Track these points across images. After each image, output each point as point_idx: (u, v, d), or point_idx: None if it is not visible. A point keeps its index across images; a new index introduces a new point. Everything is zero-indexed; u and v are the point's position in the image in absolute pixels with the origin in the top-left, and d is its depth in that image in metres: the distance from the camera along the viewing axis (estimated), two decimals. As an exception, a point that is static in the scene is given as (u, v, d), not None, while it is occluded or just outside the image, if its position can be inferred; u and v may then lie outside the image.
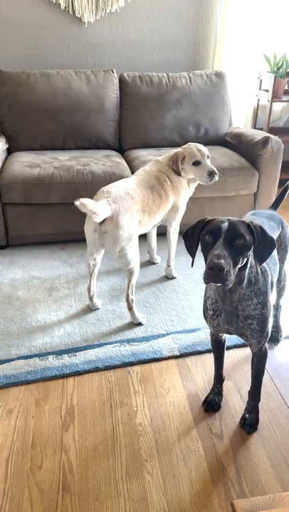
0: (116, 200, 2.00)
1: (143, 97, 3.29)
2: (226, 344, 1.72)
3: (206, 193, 2.93)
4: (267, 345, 1.55)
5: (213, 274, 1.19)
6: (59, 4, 3.27)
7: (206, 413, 1.73)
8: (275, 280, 1.59)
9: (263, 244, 1.28)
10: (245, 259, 1.27)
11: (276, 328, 2.10)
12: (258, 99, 3.89)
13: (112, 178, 2.79)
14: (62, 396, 1.80)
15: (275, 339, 2.09)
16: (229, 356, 1.99)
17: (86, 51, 3.48)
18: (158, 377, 1.90)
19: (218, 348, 1.70)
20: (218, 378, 1.74)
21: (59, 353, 2.01)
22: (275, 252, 1.64)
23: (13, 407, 1.74)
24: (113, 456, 1.55)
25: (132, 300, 2.17)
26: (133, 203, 2.07)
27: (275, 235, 1.70)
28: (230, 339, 1.98)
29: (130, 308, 2.19)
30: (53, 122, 3.16)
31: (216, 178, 2.30)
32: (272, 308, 1.51)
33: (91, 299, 2.31)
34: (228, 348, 2.01)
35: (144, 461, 1.54)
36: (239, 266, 1.25)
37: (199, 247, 1.33)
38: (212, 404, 1.73)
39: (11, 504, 1.39)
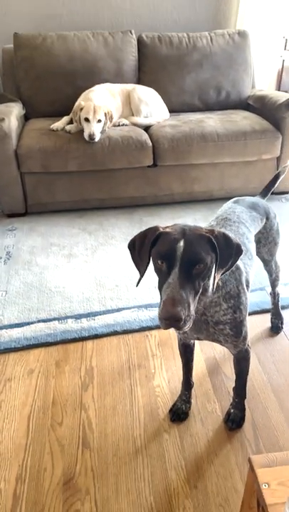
0: None
1: (162, 59, 3.17)
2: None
3: (226, 158, 2.86)
4: (249, 344, 1.40)
5: (169, 324, 1.01)
6: None
7: (224, 377, 1.73)
8: (251, 276, 1.40)
9: (228, 255, 1.08)
10: (207, 278, 1.09)
11: (276, 316, 1.97)
12: (283, 60, 3.70)
13: (130, 142, 2.73)
14: (81, 358, 1.83)
15: (276, 327, 1.96)
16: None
17: (103, 11, 3.35)
18: (176, 341, 1.90)
19: (186, 353, 1.53)
20: (187, 385, 1.58)
21: (78, 317, 2.04)
22: (252, 246, 1.46)
23: (34, 367, 1.78)
24: (131, 415, 1.58)
25: None
26: None
27: (255, 227, 1.52)
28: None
29: None
30: (70, 87, 3.09)
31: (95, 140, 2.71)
32: (247, 309, 1.32)
33: None
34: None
35: (162, 420, 1.56)
36: (201, 290, 1.07)
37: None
38: (178, 412, 1.56)
39: (33, 458, 1.44)
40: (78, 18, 3.34)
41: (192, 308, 1.03)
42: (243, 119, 2.97)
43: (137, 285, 1.14)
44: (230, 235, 1.11)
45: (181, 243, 1.02)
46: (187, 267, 1.01)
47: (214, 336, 1.30)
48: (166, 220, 2.86)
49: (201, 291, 1.07)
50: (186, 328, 1.03)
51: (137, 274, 1.16)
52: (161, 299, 1.04)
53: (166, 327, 1.02)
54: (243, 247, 1.13)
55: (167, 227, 1.10)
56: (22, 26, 3.23)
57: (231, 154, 2.84)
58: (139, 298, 2.15)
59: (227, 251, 1.08)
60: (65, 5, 3.29)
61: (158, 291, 1.07)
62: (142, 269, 1.12)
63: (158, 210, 3.00)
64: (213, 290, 1.10)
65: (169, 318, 0.99)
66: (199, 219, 2.84)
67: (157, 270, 1.07)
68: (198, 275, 1.03)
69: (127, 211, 2.99)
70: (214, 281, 1.09)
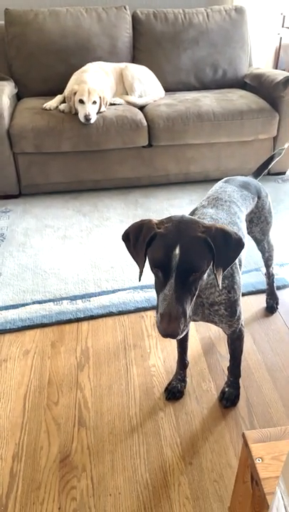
0: None
1: (157, 36, 3.10)
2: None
3: (222, 137, 2.82)
4: (242, 324, 1.41)
5: (167, 336, 1.02)
6: None
7: (219, 356, 1.74)
8: (243, 255, 1.39)
9: (226, 252, 1.04)
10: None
11: (271, 296, 1.98)
12: (281, 38, 3.63)
13: (125, 121, 2.69)
14: (77, 338, 1.83)
15: (271, 307, 1.97)
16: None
17: (96, -15, 3.26)
18: (171, 322, 1.90)
19: None
20: (182, 364, 1.59)
21: (73, 298, 2.03)
22: (243, 225, 1.43)
23: (30, 348, 1.78)
24: (127, 394, 1.59)
25: None
26: None
27: (247, 206, 1.51)
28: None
29: None
30: (63, 65, 3.02)
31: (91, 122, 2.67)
32: (241, 288, 1.32)
33: None
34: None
35: (158, 399, 1.57)
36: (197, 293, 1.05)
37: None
38: (174, 391, 1.57)
39: (29, 437, 1.45)
40: (71, -8, 3.25)
41: (189, 312, 1.02)
42: (240, 98, 2.92)
43: (139, 279, 1.12)
44: (230, 229, 1.07)
45: (177, 250, 0.97)
46: (183, 277, 0.99)
47: (209, 317, 1.30)
48: (162, 201, 2.84)
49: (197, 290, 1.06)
50: (183, 334, 1.03)
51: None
52: (157, 308, 1.03)
53: (164, 337, 1.04)
54: (238, 230, 1.10)
55: (162, 222, 1.04)
56: (13, 2, 3.14)
57: (228, 134, 2.80)
58: (134, 279, 2.15)
59: (225, 248, 1.04)
60: (57, -21, 3.20)
61: (155, 291, 1.06)
62: (139, 264, 1.09)
63: (153, 191, 2.97)
64: (219, 285, 1.08)
65: (167, 335, 1.01)
66: (195, 200, 2.82)
67: (154, 273, 1.04)
68: (195, 280, 1.02)
69: (122, 192, 2.96)
70: (219, 277, 1.05)
